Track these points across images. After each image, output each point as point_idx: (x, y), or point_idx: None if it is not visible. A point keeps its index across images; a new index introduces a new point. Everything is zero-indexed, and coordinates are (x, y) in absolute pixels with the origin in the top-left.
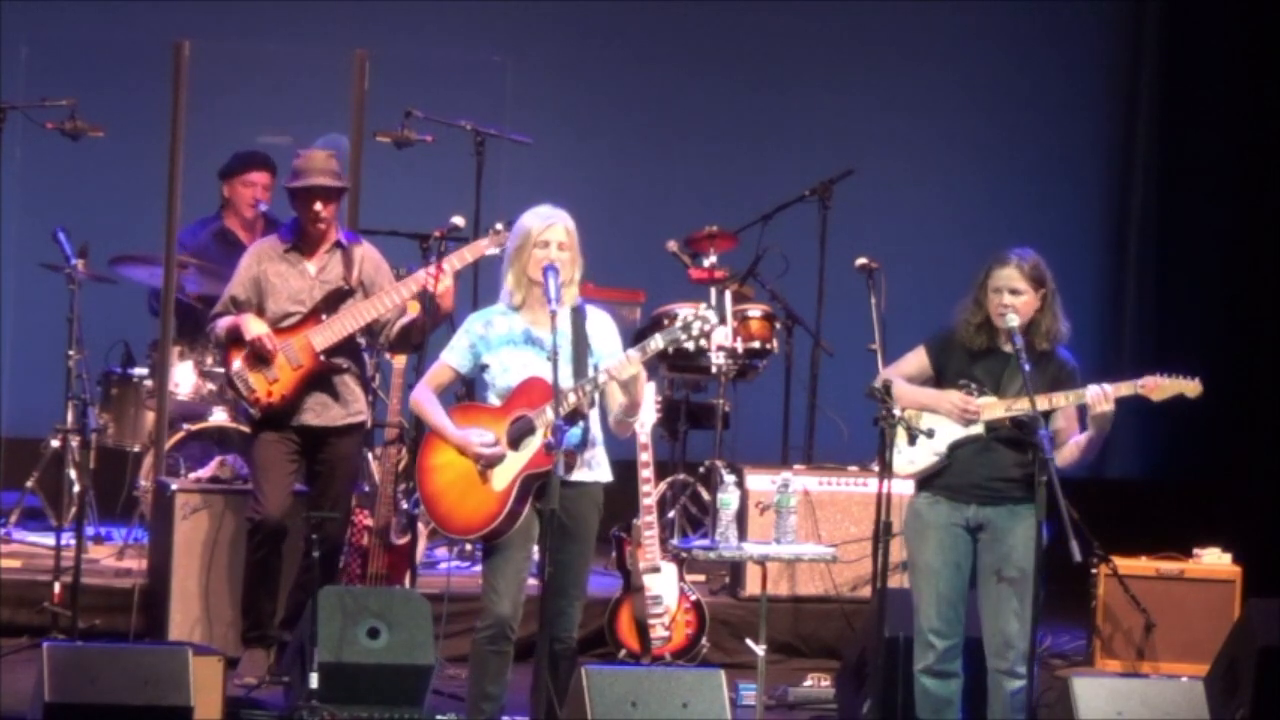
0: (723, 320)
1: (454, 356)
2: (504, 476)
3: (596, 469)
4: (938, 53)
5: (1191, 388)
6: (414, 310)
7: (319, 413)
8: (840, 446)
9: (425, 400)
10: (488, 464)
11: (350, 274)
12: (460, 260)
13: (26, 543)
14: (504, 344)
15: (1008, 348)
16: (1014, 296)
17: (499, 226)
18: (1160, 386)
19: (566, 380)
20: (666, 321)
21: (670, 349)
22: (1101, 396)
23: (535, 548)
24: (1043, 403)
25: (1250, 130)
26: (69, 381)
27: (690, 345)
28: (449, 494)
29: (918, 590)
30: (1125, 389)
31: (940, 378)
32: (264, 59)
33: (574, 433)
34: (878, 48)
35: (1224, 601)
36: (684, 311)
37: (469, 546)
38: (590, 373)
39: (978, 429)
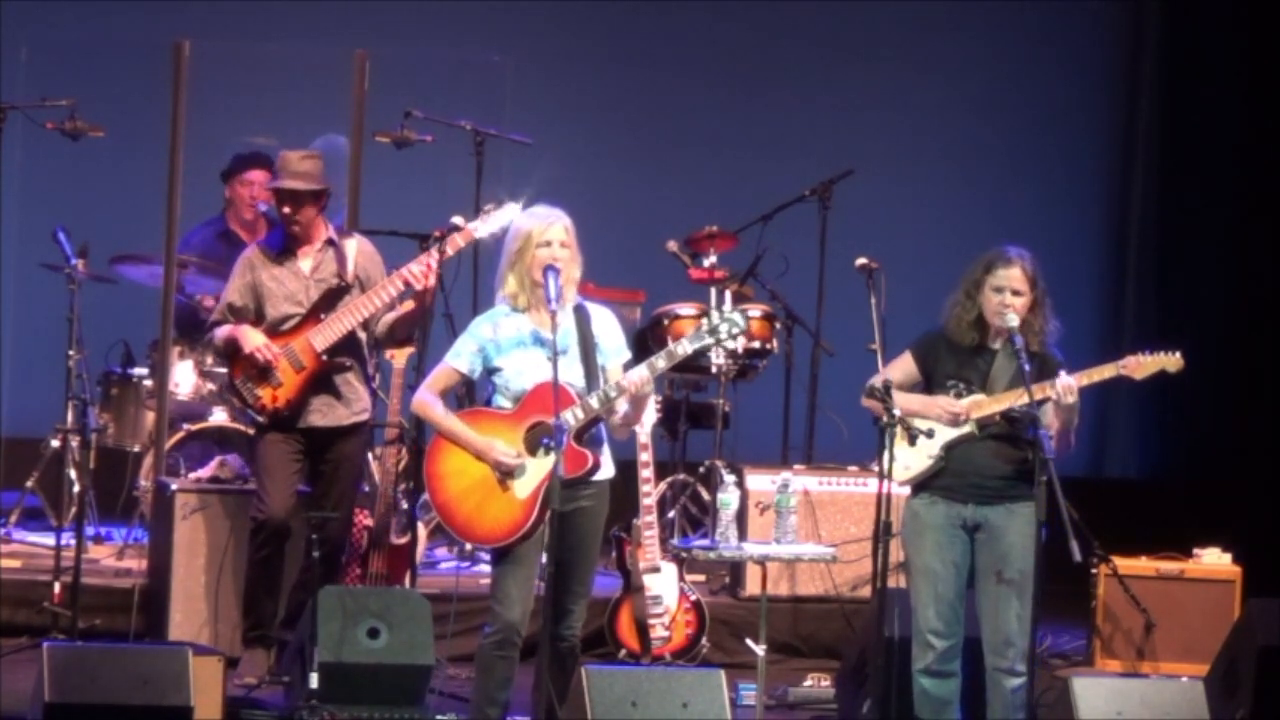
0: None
1: (461, 361)
2: (527, 484)
3: (604, 467)
4: (937, 53)
5: (1173, 362)
6: (408, 303)
7: (325, 413)
8: (840, 446)
9: (434, 406)
10: (507, 473)
11: (345, 270)
12: (453, 246)
13: (26, 543)
14: (514, 346)
15: (996, 344)
16: (1015, 297)
17: (488, 207)
18: (1142, 365)
19: (577, 378)
20: (667, 321)
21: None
22: (1067, 388)
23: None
24: (1024, 397)
25: (1250, 130)
26: (69, 381)
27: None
28: (466, 502)
29: (916, 591)
30: (1108, 370)
31: (929, 381)
32: (264, 59)
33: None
34: (877, 48)
35: (1224, 601)
36: (710, 316)
37: (469, 546)
38: (598, 371)
39: (969, 427)
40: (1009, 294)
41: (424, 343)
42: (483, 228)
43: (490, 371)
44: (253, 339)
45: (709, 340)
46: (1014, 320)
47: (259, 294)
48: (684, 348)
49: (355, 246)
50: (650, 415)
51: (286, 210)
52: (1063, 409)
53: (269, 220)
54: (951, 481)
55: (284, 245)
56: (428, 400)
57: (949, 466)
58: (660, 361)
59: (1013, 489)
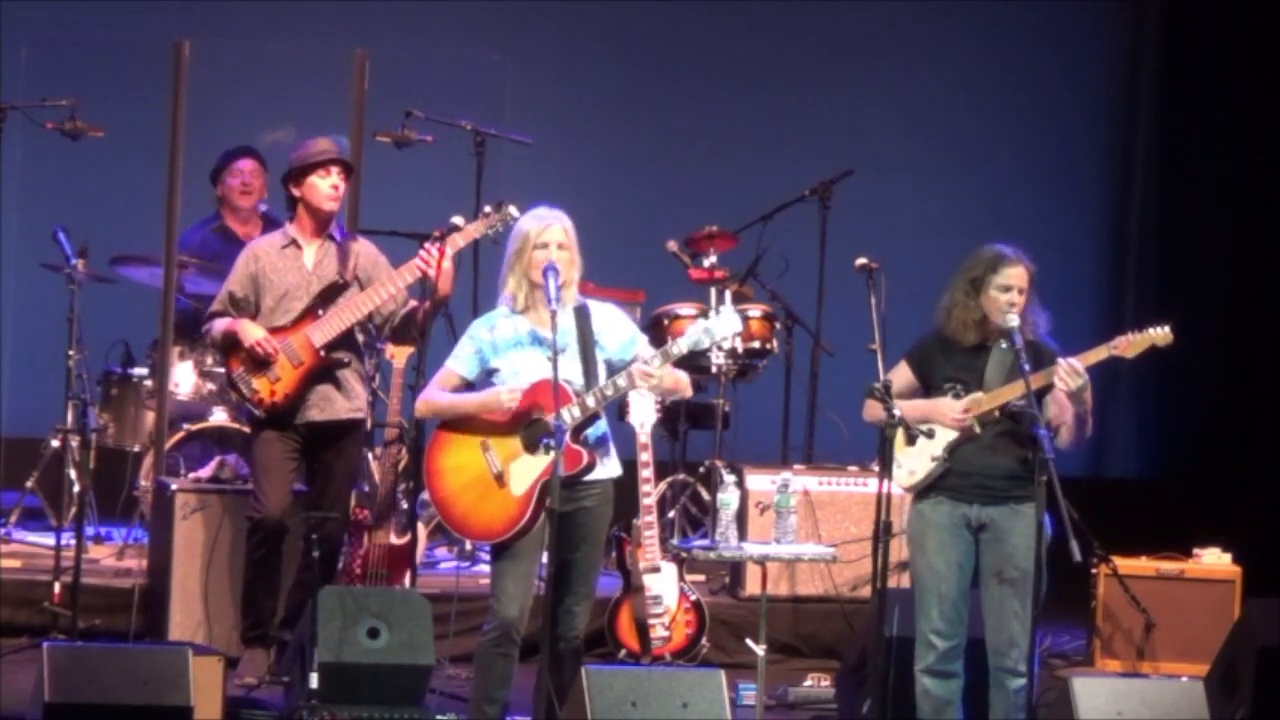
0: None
1: (460, 364)
2: (523, 481)
3: (609, 465)
4: (937, 53)
5: (1162, 337)
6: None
7: (323, 408)
8: (840, 446)
9: (437, 395)
10: (514, 403)
11: (345, 268)
12: (452, 245)
13: (26, 543)
14: (511, 347)
15: (990, 341)
16: (1020, 296)
17: (487, 209)
18: (1133, 343)
19: (576, 376)
20: (667, 322)
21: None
22: (1071, 370)
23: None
24: (1021, 389)
25: (1250, 129)
26: (69, 381)
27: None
28: (464, 497)
29: (920, 590)
30: (1101, 352)
31: (926, 386)
32: (264, 59)
33: (594, 430)
34: (877, 48)
35: (1224, 601)
36: (707, 319)
37: (469, 546)
38: (597, 369)
39: (972, 425)
40: (1015, 292)
41: (424, 342)
42: (483, 230)
43: (488, 373)
44: (253, 332)
45: (704, 340)
46: (1014, 320)
47: (259, 286)
48: (680, 347)
49: (357, 247)
50: (650, 415)
51: (339, 185)
52: (1072, 394)
53: (268, 220)
54: (956, 482)
55: (292, 239)
56: (430, 395)
57: (953, 467)
58: (658, 362)
59: (1018, 489)
